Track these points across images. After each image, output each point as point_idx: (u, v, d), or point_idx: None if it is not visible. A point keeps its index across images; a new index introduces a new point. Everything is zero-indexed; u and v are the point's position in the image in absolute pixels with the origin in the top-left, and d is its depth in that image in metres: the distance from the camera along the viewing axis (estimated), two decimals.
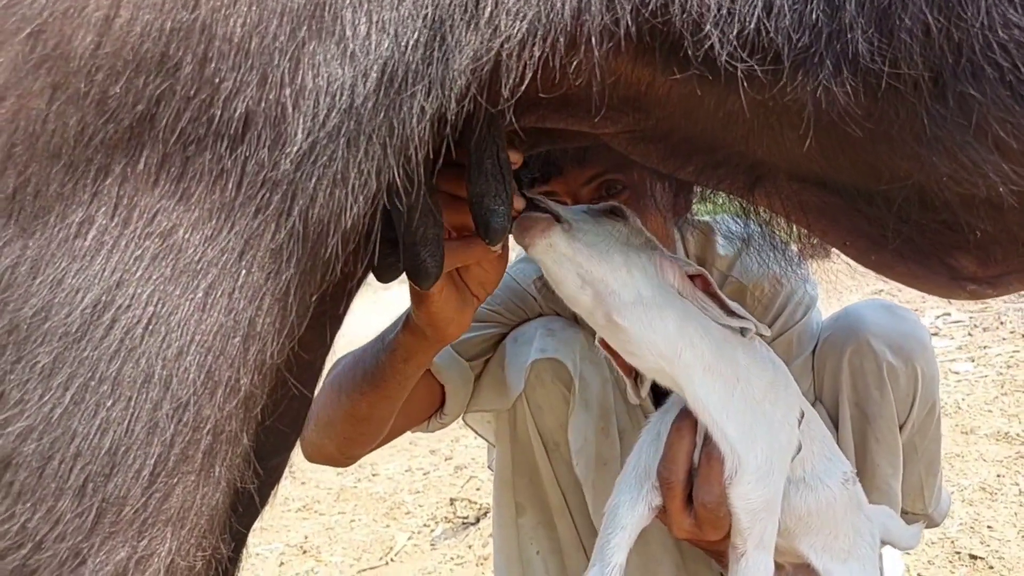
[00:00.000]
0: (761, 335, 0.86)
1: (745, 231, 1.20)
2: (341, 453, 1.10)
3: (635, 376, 0.90)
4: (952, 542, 1.77)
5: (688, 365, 0.80)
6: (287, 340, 0.44)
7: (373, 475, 2.77)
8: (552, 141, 0.71)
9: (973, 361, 2.88)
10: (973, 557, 1.71)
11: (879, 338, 1.19)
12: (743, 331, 0.84)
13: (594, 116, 0.55)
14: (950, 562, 1.71)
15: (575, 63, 0.48)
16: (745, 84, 0.49)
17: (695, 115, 0.56)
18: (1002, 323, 3.16)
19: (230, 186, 0.40)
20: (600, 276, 0.77)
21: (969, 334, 3.15)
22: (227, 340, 0.42)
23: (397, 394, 0.98)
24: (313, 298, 0.44)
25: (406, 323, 0.88)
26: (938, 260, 0.59)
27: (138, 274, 0.41)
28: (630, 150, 0.63)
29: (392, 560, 2.11)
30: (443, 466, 2.68)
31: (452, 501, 2.38)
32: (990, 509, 1.90)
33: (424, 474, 2.65)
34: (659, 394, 1.22)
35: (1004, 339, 3.02)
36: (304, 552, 2.23)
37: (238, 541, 0.63)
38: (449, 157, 0.56)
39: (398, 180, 0.42)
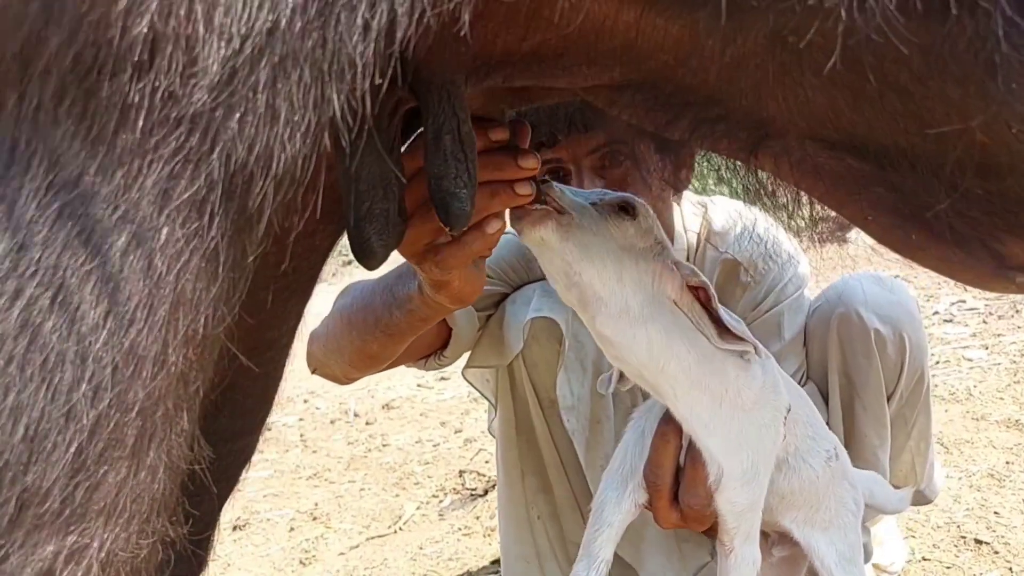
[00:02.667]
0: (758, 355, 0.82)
1: (744, 204, 1.19)
2: (344, 376, 1.15)
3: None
4: (958, 527, 1.74)
5: (672, 378, 0.77)
6: (224, 307, 0.39)
7: (383, 445, 2.77)
8: (523, 102, 0.63)
9: (986, 349, 2.84)
10: (979, 542, 1.68)
11: (866, 306, 1.18)
12: (741, 353, 0.80)
13: (571, 73, 0.48)
14: (955, 546, 1.68)
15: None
16: (761, 13, 0.39)
17: (694, 62, 0.47)
18: (1017, 311, 3.11)
19: (140, 124, 0.34)
20: (588, 281, 0.72)
21: (984, 322, 3.09)
22: (150, 311, 0.37)
23: (409, 339, 1.00)
24: (250, 259, 0.38)
25: (422, 290, 0.84)
26: (979, 243, 0.47)
27: (42, 234, 0.35)
28: (613, 99, 0.54)
29: (400, 529, 2.10)
30: (453, 438, 2.68)
31: (461, 473, 2.37)
32: (998, 495, 1.87)
33: (434, 446, 2.65)
34: None
35: (1019, 327, 2.96)
36: (314, 519, 2.24)
37: (209, 521, 0.59)
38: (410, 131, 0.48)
39: (339, 115, 0.36)
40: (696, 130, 0.52)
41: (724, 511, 0.82)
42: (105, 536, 0.40)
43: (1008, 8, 0.36)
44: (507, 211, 0.71)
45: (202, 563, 0.60)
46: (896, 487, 1.26)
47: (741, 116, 0.50)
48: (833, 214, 0.54)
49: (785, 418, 0.86)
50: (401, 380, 3.74)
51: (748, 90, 0.47)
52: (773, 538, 0.99)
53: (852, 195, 0.49)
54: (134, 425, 0.38)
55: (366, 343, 1.00)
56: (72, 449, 0.37)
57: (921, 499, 1.36)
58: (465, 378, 1.34)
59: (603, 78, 0.52)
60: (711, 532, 0.89)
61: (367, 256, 0.53)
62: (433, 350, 1.23)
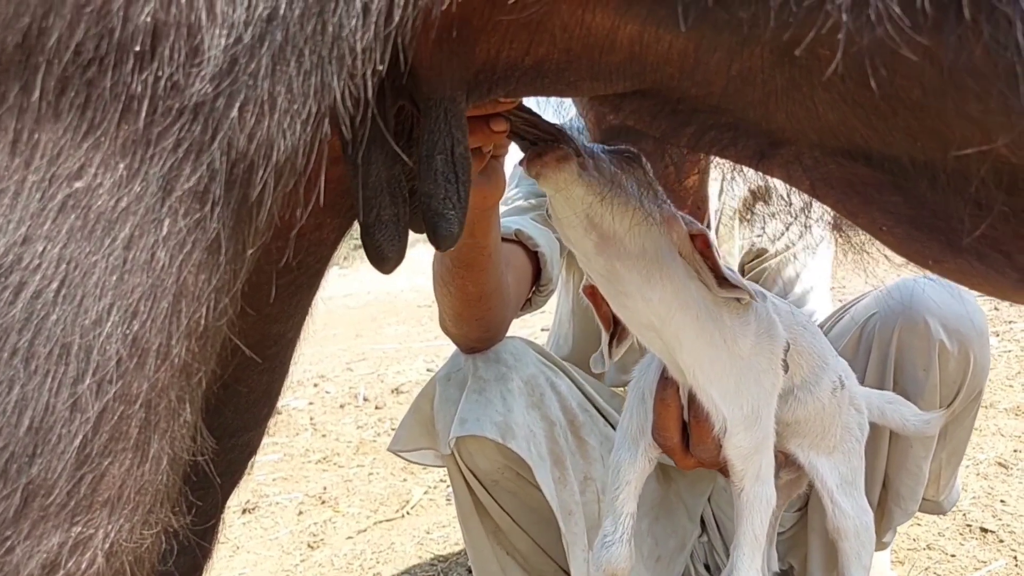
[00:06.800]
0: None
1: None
2: (486, 332, 1.16)
3: (613, 333, 0.89)
4: (964, 515, 1.74)
5: (680, 327, 0.79)
6: (227, 299, 0.39)
7: (392, 430, 2.79)
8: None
9: (997, 335, 2.81)
10: (984, 531, 1.67)
11: (935, 316, 1.13)
12: (738, 299, 0.82)
13: (575, 87, 0.47)
14: (960, 534, 1.67)
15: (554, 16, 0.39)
16: (769, 24, 0.37)
17: (699, 75, 0.45)
18: None
19: (143, 114, 0.33)
20: (608, 223, 0.73)
21: (995, 308, 3.06)
22: (153, 303, 0.36)
23: (486, 264, 1.01)
24: (250, 251, 0.38)
25: None
26: (1002, 256, 0.44)
27: (46, 226, 0.35)
28: (617, 105, 0.52)
29: (408, 513, 2.12)
30: None
31: None
32: (1004, 484, 1.87)
33: None
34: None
35: None
36: (323, 502, 2.26)
37: (212, 511, 0.59)
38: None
39: (339, 103, 0.35)
40: (702, 137, 0.51)
41: (731, 455, 0.86)
42: (109, 527, 0.40)
43: None
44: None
45: (206, 553, 0.60)
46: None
47: (749, 126, 0.48)
48: (844, 221, 0.52)
49: (785, 356, 0.89)
50: (411, 364, 3.75)
51: (756, 103, 0.45)
52: (779, 461, 1.02)
53: (866, 204, 0.47)
54: (138, 417, 0.38)
55: (461, 288, 1.04)
56: (77, 441, 0.37)
57: (936, 509, 1.34)
58: (398, 455, 1.30)
59: (607, 91, 0.51)
60: (727, 472, 0.93)
61: (380, 262, 0.52)
62: (529, 287, 1.23)
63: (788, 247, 1.35)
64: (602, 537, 0.91)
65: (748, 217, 1.32)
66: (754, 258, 1.37)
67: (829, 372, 0.96)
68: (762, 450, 0.87)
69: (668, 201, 0.78)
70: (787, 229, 1.33)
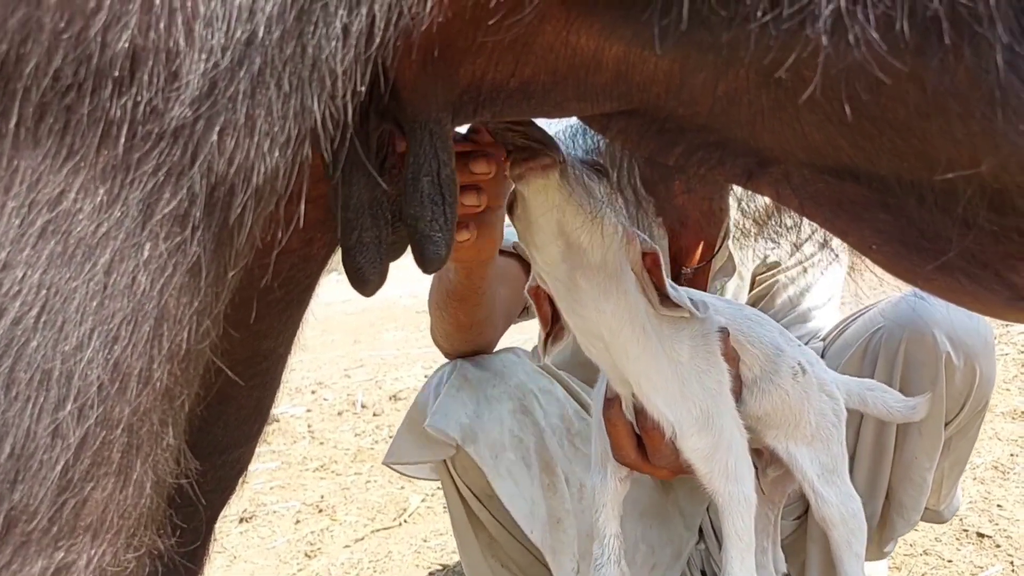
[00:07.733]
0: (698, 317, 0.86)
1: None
2: (477, 347, 1.20)
3: (549, 332, 0.91)
4: (960, 519, 1.73)
5: (628, 340, 0.81)
6: (209, 321, 0.38)
7: (390, 437, 2.78)
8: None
9: (995, 338, 2.80)
10: (980, 535, 1.66)
11: (941, 329, 1.13)
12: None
13: (562, 108, 0.47)
14: (957, 539, 1.67)
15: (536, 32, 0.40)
16: (749, 47, 0.37)
17: (686, 95, 0.46)
18: None
19: (122, 139, 0.33)
20: (578, 232, 0.74)
21: None
22: (134, 327, 0.36)
23: (480, 299, 1.03)
24: (232, 273, 0.38)
25: None
26: (992, 273, 0.44)
27: (25, 252, 0.35)
28: (605, 125, 0.53)
29: (406, 521, 2.11)
30: None
31: None
32: (1001, 488, 1.86)
33: None
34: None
35: None
36: (320, 511, 2.25)
37: (199, 532, 0.59)
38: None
39: (319, 125, 0.35)
40: (690, 157, 0.51)
41: (691, 458, 0.87)
42: (93, 552, 0.39)
43: (1007, 35, 0.32)
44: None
45: (195, 574, 0.60)
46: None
47: (737, 145, 0.49)
48: (835, 239, 0.52)
49: (727, 342, 0.89)
50: (409, 371, 3.75)
51: (743, 122, 0.45)
52: (767, 457, 1.03)
53: (856, 222, 0.47)
54: (120, 442, 0.38)
55: (454, 316, 1.06)
56: (59, 467, 0.37)
57: (937, 518, 1.34)
58: (393, 469, 1.31)
59: (594, 112, 0.51)
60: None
61: (361, 284, 0.52)
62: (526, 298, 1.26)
63: (800, 262, 1.35)
64: (593, 561, 0.94)
65: (762, 230, 1.32)
66: (766, 270, 1.38)
67: (786, 359, 0.96)
68: (724, 448, 0.87)
69: (627, 216, 0.82)
70: (800, 246, 1.33)
